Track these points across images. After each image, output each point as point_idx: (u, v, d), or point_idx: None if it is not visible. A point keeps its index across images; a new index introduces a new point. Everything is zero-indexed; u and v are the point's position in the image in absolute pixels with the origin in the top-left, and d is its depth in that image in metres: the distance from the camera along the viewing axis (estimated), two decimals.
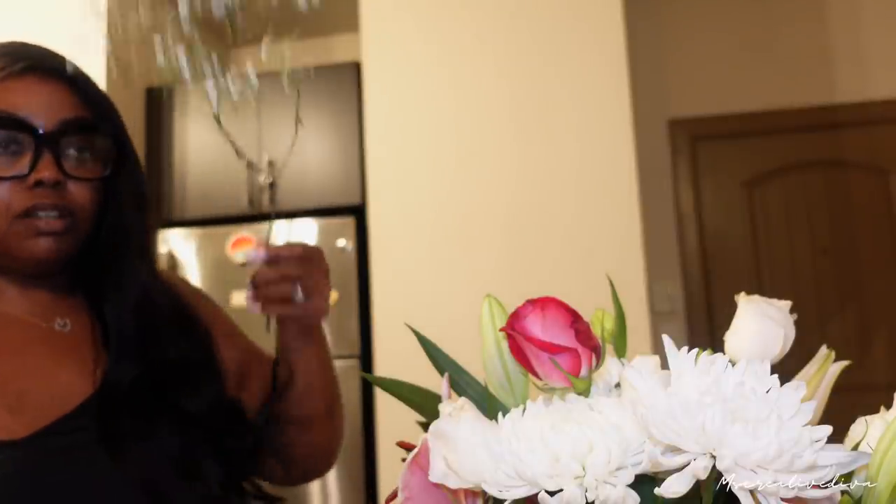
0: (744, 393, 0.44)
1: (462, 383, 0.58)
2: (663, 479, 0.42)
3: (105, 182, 0.88)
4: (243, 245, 2.89)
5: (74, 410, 0.82)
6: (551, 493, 0.44)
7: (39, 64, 0.86)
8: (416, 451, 0.53)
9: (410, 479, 0.53)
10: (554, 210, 2.55)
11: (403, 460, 0.54)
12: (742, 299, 0.53)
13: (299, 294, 0.90)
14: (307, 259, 0.92)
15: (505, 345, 0.55)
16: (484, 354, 0.57)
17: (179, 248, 3.01)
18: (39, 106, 0.84)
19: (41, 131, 0.83)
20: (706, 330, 3.47)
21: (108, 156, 0.88)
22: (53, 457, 0.79)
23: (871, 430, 0.51)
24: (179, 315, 0.94)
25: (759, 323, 0.51)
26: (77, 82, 0.88)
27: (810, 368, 0.54)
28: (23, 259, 0.85)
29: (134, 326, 0.89)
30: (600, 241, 2.50)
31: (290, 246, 0.92)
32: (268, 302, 0.91)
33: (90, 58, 0.99)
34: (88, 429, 0.81)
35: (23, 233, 0.83)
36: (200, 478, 0.85)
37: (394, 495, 0.54)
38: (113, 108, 0.92)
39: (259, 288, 0.90)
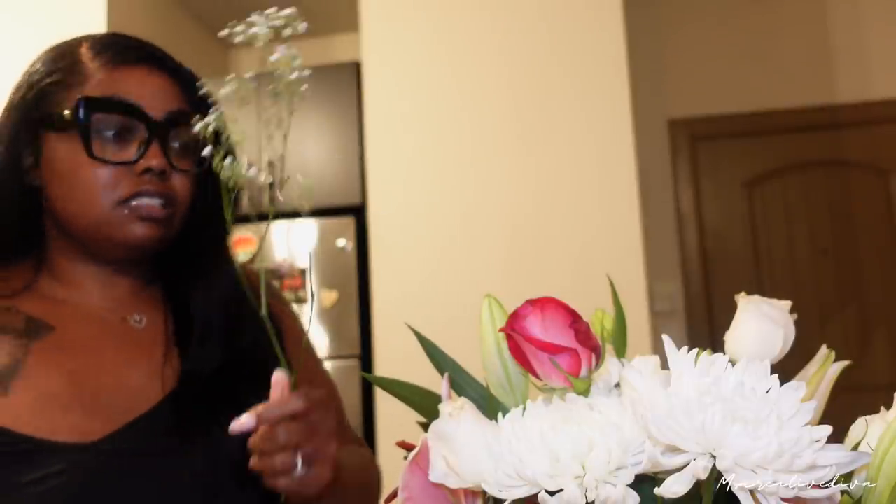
0: (744, 393, 0.44)
1: (462, 383, 0.58)
2: (663, 479, 0.42)
3: (199, 175, 0.89)
4: (244, 245, 2.89)
5: (146, 413, 0.82)
6: (551, 493, 0.44)
7: (150, 55, 0.88)
8: (416, 451, 0.53)
9: (410, 479, 0.53)
10: (554, 210, 2.55)
11: (405, 459, 0.54)
12: (742, 299, 0.53)
13: (299, 467, 0.74)
14: (309, 418, 0.75)
15: (505, 345, 0.55)
16: (484, 354, 0.57)
17: None
18: (150, 96, 0.85)
19: (153, 120, 0.84)
20: (706, 330, 3.47)
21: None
22: (126, 460, 0.79)
23: (871, 430, 0.51)
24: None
25: (759, 323, 0.51)
26: (181, 76, 0.89)
27: (810, 368, 0.54)
28: (118, 244, 0.85)
29: (221, 316, 0.90)
30: (600, 241, 2.49)
31: (290, 401, 0.74)
32: (266, 475, 0.75)
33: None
34: (159, 433, 0.81)
35: (123, 217, 0.84)
36: (256, 485, 0.83)
37: (394, 495, 0.54)
38: (214, 103, 0.93)
39: (257, 456, 0.75)
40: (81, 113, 0.82)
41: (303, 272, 2.91)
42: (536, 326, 0.52)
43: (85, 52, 0.87)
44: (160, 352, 0.88)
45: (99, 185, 0.83)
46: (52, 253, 0.88)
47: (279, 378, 0.75)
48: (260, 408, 0.73)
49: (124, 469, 0.78)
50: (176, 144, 0.86)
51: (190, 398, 0.84)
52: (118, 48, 0.87)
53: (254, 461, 0.74)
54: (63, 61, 0.87)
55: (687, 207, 3.62)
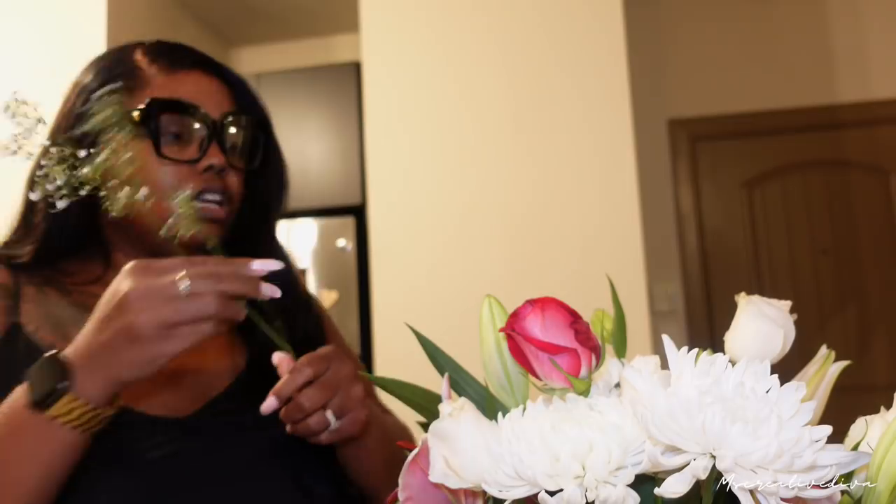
0: (744, 393, 0.43)
1: (462, 383, 0.58)
2: (663, 479, 0.42)
3: (248, 173, 0.95)
4: None
5: (224, 392, 0.87)
6: (551, 493, 0.44)
7: (202, 60, 0.93)
8: (416, 451, 0.53)
9: (410, 479, 0.53)
10: (554, 210, 2.55)
11: (405, 459, 0.54)
12: (742, 299, 0.53)
13: (333, 422, 0.81)
14: (321, 379, 0.81)
15: (505, 345, 0.55)
16: (484, 354, 0.57)
17: None
18: (207, 98, 0.90)
19: (212, 120, 0.88)
20: (706, 330, 3.47)
21: (257, 149, 0.95)
22: (216, 435, 0.83)
23: (871, 430, 0.51)
24: (307, 302, 1.01)
25: (759, 323, 0.51)
26: (230, 78, 0.95)
27: (810, 368, 0.54)
28: (182, 243, 0.88)
29: (280, 299, 0.94)
30: (600, 241, 2.50)
31: (298, 373, 0.80)
32: (307, 437, 0.83)
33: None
34: (237, 410, 0.85)
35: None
36: (329, 465, 0.89)
37: (394, 495, 0.54)
38: (262, 106, 0.98)
39: (291, 423, 0.82)
40: (151, 114, 0.86)
41: (303, 272, 2.91)
42: (536, 326, 0.52)
43: (141, 57, 0.91)
44: (224, 337, 0.92)
45: (165, 184, 0.86)
46: (113, 250, 0.92)
47: (280, 358, 0.81)
48: (276, 386, 0.79)
49: (216, 442, 0.83)
50: (230, 144, 0.91)
51: (260, 376, 0.88)
52: (173, 53, 0.92)
53: (290, 429, 0.81)
54: (121, 67, 0.91)
55: (687, 207, 3.62)
